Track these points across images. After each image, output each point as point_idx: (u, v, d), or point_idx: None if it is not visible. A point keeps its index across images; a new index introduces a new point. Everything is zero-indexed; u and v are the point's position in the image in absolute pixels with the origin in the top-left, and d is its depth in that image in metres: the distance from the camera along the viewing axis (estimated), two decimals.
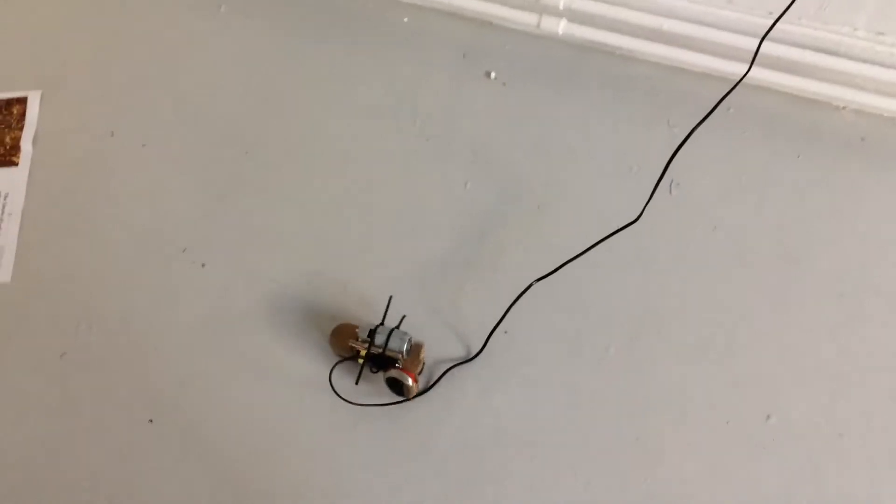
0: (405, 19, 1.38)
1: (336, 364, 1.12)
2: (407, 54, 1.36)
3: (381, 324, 1.11)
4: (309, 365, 1.17)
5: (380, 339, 1.09)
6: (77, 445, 1.18)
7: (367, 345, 1.09)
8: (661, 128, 1.27)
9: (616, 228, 1.09)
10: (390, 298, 1.13)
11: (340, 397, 1.13)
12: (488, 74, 1.33)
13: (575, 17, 1.29)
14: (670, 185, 1.24)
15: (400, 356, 1.08)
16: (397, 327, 1.11)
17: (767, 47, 1.16)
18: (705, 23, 1.25)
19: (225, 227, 1.28)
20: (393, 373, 1.08)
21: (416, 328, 1.13)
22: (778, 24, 1.08)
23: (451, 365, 1.13)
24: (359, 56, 1.37)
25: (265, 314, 1.22)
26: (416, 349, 1.11)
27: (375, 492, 1.10)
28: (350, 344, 1.10)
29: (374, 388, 1.13)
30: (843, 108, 1.28)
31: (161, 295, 1.26)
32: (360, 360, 1.10)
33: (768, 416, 1.08)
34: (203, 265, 1.26)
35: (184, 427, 1.17)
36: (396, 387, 1.09)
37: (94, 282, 1.28)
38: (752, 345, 1.12)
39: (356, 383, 1.11)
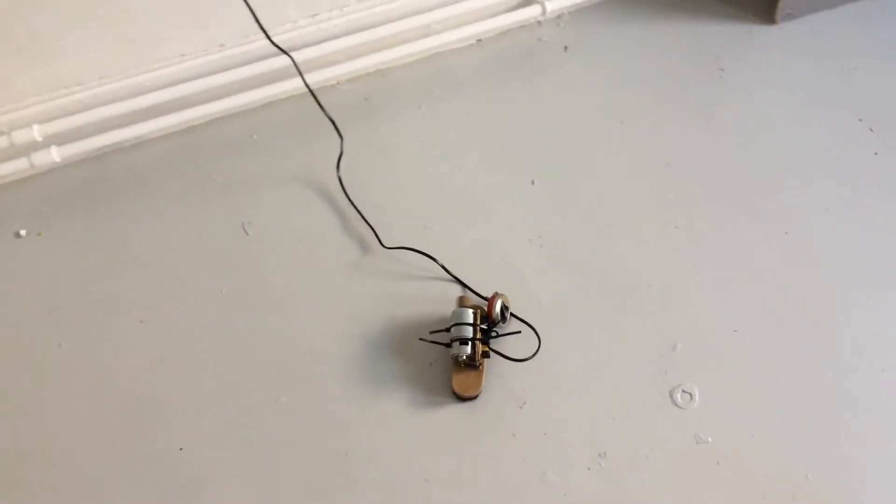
0: None
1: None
2: None
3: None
4: None
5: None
6: None
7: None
8: (209, 186, 1.30)
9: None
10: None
11: None
12: (18, 234, 1.26)
13: (61, 138, 1.26)
14: (243, 225, 1.27)
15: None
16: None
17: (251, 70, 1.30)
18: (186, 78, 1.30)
19: None
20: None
21: None
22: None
23: None
24: None
25: None
26: None
27: None
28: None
29: None
30: (337, 83, 1.40)
31: None
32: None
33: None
34: None
35: None
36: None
37: None
38: None
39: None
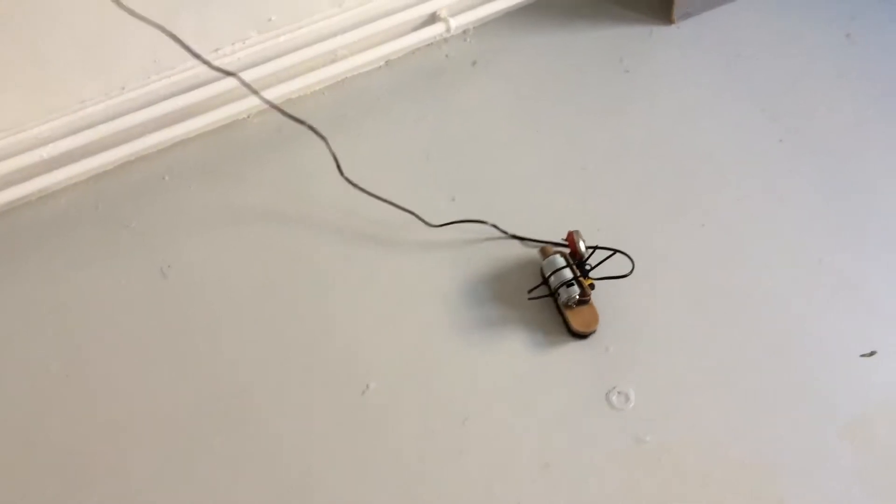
0: None
1: None
2: None
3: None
4: None
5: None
6: None
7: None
8: (123, 232, 1.26)
9: None
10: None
11: None
12: None
13: None
14: (162, 270, 1.23)
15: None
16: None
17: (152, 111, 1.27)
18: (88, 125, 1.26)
19: None
20: None
21: None
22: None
23: None
24: None
25: None
26: None
27: None
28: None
29: None
30: (248, 117, 1.38)
31: None
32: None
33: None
34: None
35: None
36: None
37: None
38: None
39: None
